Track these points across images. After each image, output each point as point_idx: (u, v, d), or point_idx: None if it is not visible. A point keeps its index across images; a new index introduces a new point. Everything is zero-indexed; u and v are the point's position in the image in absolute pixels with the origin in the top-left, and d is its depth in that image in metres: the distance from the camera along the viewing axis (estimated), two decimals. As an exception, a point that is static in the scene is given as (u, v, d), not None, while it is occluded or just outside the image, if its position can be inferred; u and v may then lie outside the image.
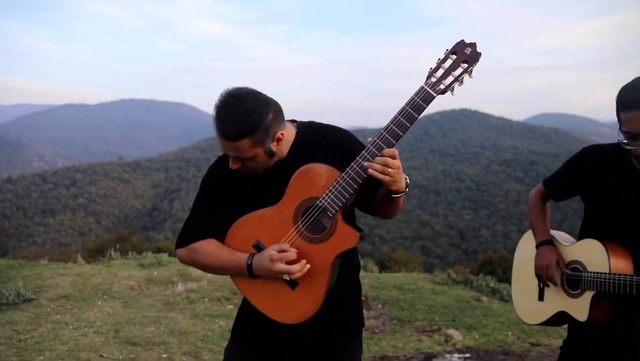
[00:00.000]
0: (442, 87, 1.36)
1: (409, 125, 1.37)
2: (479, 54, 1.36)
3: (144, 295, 5.39)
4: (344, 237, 1.47)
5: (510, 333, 4.30)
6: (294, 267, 1.46)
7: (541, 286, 1.88)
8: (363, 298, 5.31)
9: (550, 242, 1.85)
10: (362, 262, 7.85)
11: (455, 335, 4.21)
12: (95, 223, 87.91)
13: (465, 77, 1.37)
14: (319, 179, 1.49)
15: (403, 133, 1.38)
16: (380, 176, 1.37)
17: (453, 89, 1.37)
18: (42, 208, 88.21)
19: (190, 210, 1.69)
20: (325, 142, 1.59)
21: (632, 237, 1.64)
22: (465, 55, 1.36)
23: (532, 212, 1.96)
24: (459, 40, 1.38)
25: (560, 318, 1.82)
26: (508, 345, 4.04)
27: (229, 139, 1.46)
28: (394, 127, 1.38)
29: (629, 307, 1.64)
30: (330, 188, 1.45)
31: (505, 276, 8.98)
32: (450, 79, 1.36)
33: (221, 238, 1.61)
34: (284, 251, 1.48)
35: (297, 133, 1.61)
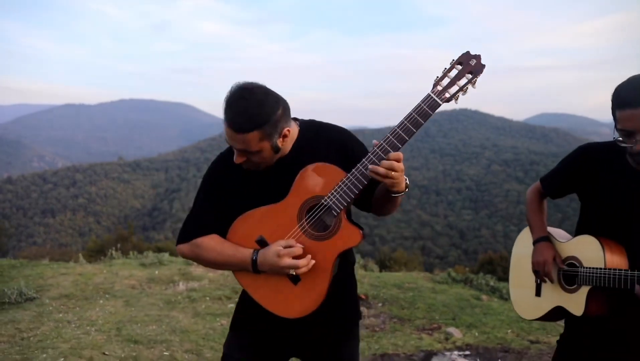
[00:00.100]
0: (447, 95, 1.42)
1: (414, 130, 1.42)
2: (483, 66, 1.42)
3: (146, 294, 5.42)
4: (347, 235, 1.51)
5: (509, 331, 4.33)
6: (301, 262, 1.50)
7: (538, 282, 1.91)
8: (363, 296, 5.35)
9: (547, 239, 1.88)
10: (362, 262, 7.89)
11: (455, 333, 4.24)
12: (95, 223, 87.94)
13: (469, 87, 1.43)
14: (324, 178, 1.52)
15: (409, 138, 1.42)
16: (384, 180, 1.43)
17: (457, 98, 1.43)
18: (42, 208, 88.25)
19: (191, 206, 1.70)
20: (327, 141, 1.62)
21: (626, 233, 1.67)
22: (470, 66, 1.42)
23: (530, 209, 1.99)
24: (464, 52, 1.44)
25: (557, 313, 1.85)
26: (507, 343, 4.07)
27: (238, 131, 1.47)
28: (400, 132, 1.43)
29: (624, 302, 1.67)
30: (336, 187, 1.49)
31: (505, 276, 9.01)
32: (455, 88, 1.43)
33: (223, 235, 1.62)
34: (290, 246, 1.51)
35: (300, 132, 1.63)
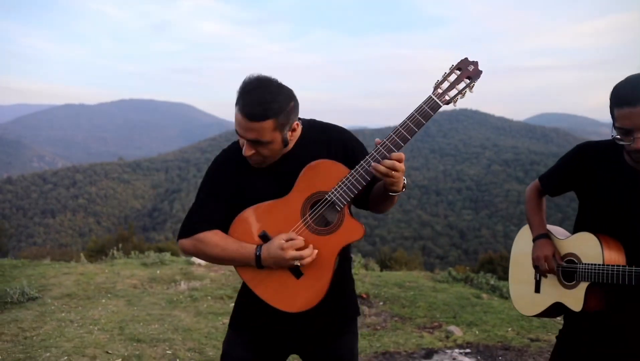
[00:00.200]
0: (447, 98, 1.50)
1: (416, 130, 1.48)
2: (481, 72, 1.51)
3: (148, 294, 5.45)
4: (350, 230, 1.54)
5: (510, 329, 4.35)
6: (305, 252, 1.52)
7: (538, 278, 1.94)
8: (365, 295, 5.38)
9: (547, 236, 1.91)
10: (363, 261, 7.91)
11: (456, 331, 4.26)
12: (96, 223, 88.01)
13: (467, 91, 1.51)
14: (328, 174, 1.55)
15: (411, 137, 1.48)
16: (385, 178, 1.47)
17: (456, 100, 1.51)
18: (42, 208, 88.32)
19: (194, 201, 1.70)
20: (328, 140, 1.66)
21: (624, 230, 1.69)
22: (468, 71, 1.51)
23: (529, 206, 2.01)
24: (463, 58, 1.52)
25: (556, 309, 1.87)
26: (508, 341, 4.09)
27: (253, 119, 1.48)
28: (402, 131, 1.48)
29: (622, 297, 1.69)
30: (340, 183, 1.53)
31: (505, 275, 9.03)
32: (454, 91, 1.50)
33: (225, 230, 1.63)
34: (292, 239, 1.53)
35: (302, 130, 1.66)
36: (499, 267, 15.23)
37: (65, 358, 3.57)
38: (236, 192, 1.64)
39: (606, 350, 1.81)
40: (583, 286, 1.73)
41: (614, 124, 1.61)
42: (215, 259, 1.63)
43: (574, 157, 1.86)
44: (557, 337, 1.95)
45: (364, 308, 4.93)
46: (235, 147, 1.71)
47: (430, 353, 3.84)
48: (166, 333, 4.16)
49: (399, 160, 1.45)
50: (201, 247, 1.62)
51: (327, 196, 1.54)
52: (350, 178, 1.52)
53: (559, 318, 4.33)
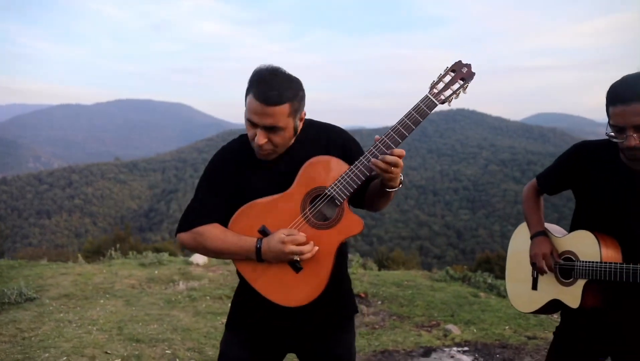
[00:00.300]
0: (442, 97, 1.56)
1: (414, 127, 1.53)
2: (474, 74, 1.58)
3: (146, 294, 5.45)
4: (350, 224, 1.56)
5: (507, 327, 4.38)
6: (305, 247, 1.53)
7: (535, 275, 1.96)
8: (363, 295, 5.39)
9: (544, 233, 1.93)
10: (361, 260, 7.93)
11: (454, 329, 4.28)
12: (92, 224, 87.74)
13: (461, 91, 1.58)
14: (328, 170, 1.58)
15: (408, 134, 1.52)
16: (383, 174, 1.49)
17: (451, 100, 1.58)
18: (38, 209, 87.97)
19: (192, 197, 1.70)
20: (327, 140, 1.68)
21: (620, 228, 1.72)
22: (462, 73, 1.58)
23: (527, 205, 2.04)
24: (457, 60, 1.60)
25: (553, 306, 1.89)
26: (505, 339, 4.11)
27: (271, 103, 1.50)
28: (400, 128, 1.53)
29: (619, 295, 1.71)
30: (339, 178, 1.55)
31: (502, 275, 9.06)
32: (449, 92, 1.57)
33: (224, 225, 1.63)
34: (293, 234, 1.54)
35: (302, 128, 1.68)
36: (496, 266, 15.27)
37: (65, 358, 3.57)
38: (235, 189, 1.64)
39: (603, 347, 1.83)
40: (580, 283, 1.76)
41: (609, 122, 1.65)
42: (214, 252, 1.62)
43: (571, 156, 1.89)
44: (554, 333, 1.97)
45: (362, 308, 4.94)
46: (235, 145, 1.72)
47: (428, 351, 3.86)
48: (165, 333, 4.16)
49: (400, 156, 1.48)
50: (201, 240, 1.62)
51: (326, 191, 1.56)
52: (349, 173, 1.55)
53: (555, 315, 4.35)
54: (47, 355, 3.62)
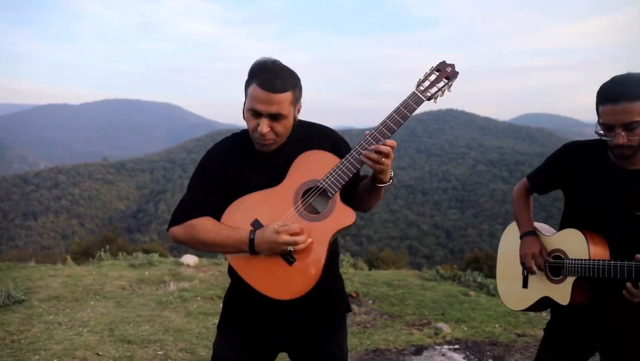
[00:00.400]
0: (428, 94, 1.62)
1: (402, 121, 1.58)
2: (457, 73, 1.65)
3: (137, 295, 5.42)
4: (342, 215, 1.58)
5: (497, 325, 4.44)
6: (300, 238, 1.53)
7: (525, 274, 2.00)
8: (354, 294, 5.42)
9: (534, 233, 1.97)
10: (352, 260, 7.95)
11: (445, 328, 4.33)
12: (79, 225, 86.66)
13: (446, 90, 1.65)
14: (319, 163, 1.61)
15: (397, 128, 1.57)
16: (375, 166, 1.52)
17: (437, 97, 1.64)
18: (24, 210, 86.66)
19: (185, 192, 1.70)
20: (318, 139, 1.71)
21: (608, 227, 1.77)
22: (446, 72, 1.65)
23: (517, 205, 2.08)
24: (441, 61, 1.67)
25: (543, 303, 1.93)
26: (495, 336, 4.17)
27: (276, 91, 1.54)
28: (390, 123, 1.57)
29: (606, 291, 1.76)
30: (331, 171, 1.58)
31: (491, 273, 9.15)
32: (435, 89, 1.63)
33: (217, 220, 1.64)
34: (287, 226, 1.55)
35: (293, 127, 1.70)
36: (485, 266, 15.40)
37: (55, 360, 3.55)
38: (228, 184, 1.65)
39: (591, 344, 1.88)
40: (570, 280, 1.80)
41: (598, 121, 1.70)
42: (207, 245, 1.61)
43: (560, 156, 1.93)
44: (544, 330, 2.02)
45: (353, 307, 4.97)
46: (228, 142, 1.75)
47: (420, 349, 3.90)
48: (157, 334, 4.15)
49: (392, 147, 1.52)
50: (193, 233, 1.62)
51: (319, 184, 1.58)
52: (341, 166, 1.58)
53: (544, 313, 4.42)
54: (37, 357, 3.59)
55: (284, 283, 1.56)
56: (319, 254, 1.56)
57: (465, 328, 4.37)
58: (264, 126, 1.57)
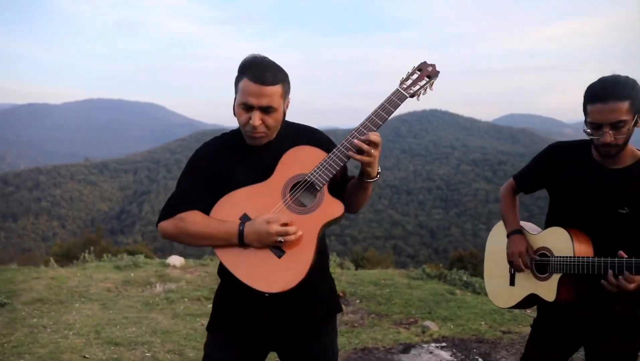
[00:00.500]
0: (411, 91, 1.67)
1: (387, 116, 1.62)
2: (438, 72, 1.71)
3: (123, 297, 5.37)
4: (330, 207, 1.59)
5: (483, 322, 4.51)
6: (290, 228, 1.54)
7: (512, 272, 2.05)
8: (341, 294, 5.44)
9: (520, 232, 2.02)
10: (338, 260, 7.98)
11: (432, 326, 4.38)
12: (60, 227, 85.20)
13: (428, 88, 1.71)
14: (307, 158, 1.64)
15: (382, 123, 1.62)
16: (363, 158, 1.55)
17: (419, 95, 1.69)
18: (3, 212, 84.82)
19: (175, 188, 1.71)
20: (307, 139, 1.73)
21: (591, 225, 1.82)
22: (427, 71, 1.71)
23: (504, 204, 2.12)
24: (422, 61, 1.73)
25: (530, 300, 1.98)
26: (481, 334, 4.24)
27: (267, 83, 1.57)
28: (374, 118, 1.62)
29: (593, 288, 1.81)
30: (318, 165, 1.61)
31: (476, 272, 9.27)
32: (417, 87, 1.69)
33: (206, 214, 1.65)
34: (276, 216, 1.56)
35: (280, 128, 1.72)
36: (469, 265, 15.60)
37: (41, 363, 3.50)
38: (217, 182, 1.66)
39: (576, 340, 1.94)
40: (556, 277, 1.85)
41: (585, 120, 1.75)
42: (196, 237, 1.61)
43: (545, 156, 1.99)
44: (531, 326, 2.07)
45: (341, 306, 4.99)
46: (218, 141, 1.77)
47: (407, 347, 3.94)
48: (144, 336, 4.12)
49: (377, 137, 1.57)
50: (182, 225, 1.62)
51: (306, 177, 1.60)
52: (328, 160, 1.61)
53: (529, 310, 4.50)
54: (22, 361, 3.54)
55: (272, 276, 1.55)
56: (308, 248, 1.56)
57: (452, 326, 4.43)
58: (256, 119, 1.59)
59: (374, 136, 1.54)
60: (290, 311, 1.67)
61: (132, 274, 6.27)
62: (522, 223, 2.07)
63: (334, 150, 1.61)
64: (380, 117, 1.61)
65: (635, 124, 1.70)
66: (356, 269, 8.33)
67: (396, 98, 1.64)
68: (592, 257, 1.75)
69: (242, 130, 1.65)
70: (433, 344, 4.03)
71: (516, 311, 4.62)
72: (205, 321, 4.59)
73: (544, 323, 2.00)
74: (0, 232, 78.55)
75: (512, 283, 2.05)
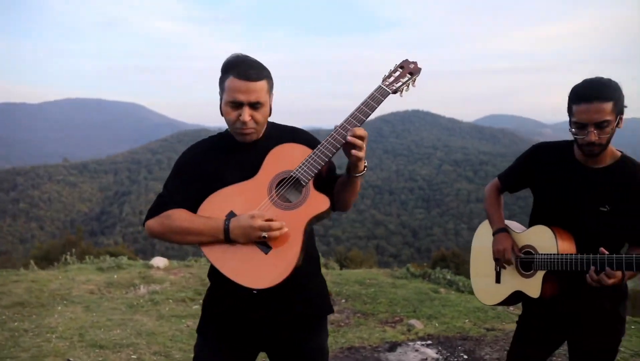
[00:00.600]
0: (393, 87, 1.71)
1: (370, 112, 1.66)
2: (420, 69, 1.76)
3: (106, 299, 5.30)
4: (315, 202, 1.60)
5: (467, 320, 4.58)
6: (275, 223, 1.54)
7: (498, 269, 2.10)
8: (327, 294, 5.47)
9: (505, 230, 2.07)
10: (322, 260, 8.01)
11: (417, 324, 4.43)
12: (38, 229, 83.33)
13: (410, 85, 1.75)
14: (292, 155, 1.65)
15: (366, 119, 1.65)
16: (351, 150, 1.56)
17: (402, 91, 1.73)
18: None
19: (162, 189, 1.72)
20: (292, 138, 1.74)
21: (573, 223, 1.88)
22: (409, 68, 1.75)
23: (489, 203, 2.17)
24: (404, 59, 1.78)
25: (515, 297, 2.03)
26: (466, 331, 4.31)
27: (253, 79, 1.60)
28: (358, 114, 1.65)
29: (576, 284, 1.87)
30: (304, 161, 1.62)
31: (459, 271, 9.41)
32: (399, 83, 1.72)
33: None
34: (261, 211, 1.58)
35: (266, 129, 1.74)
36: (452, 263, 15.79)
37: (23, 367, 3.44)
38: (204, 183, 1.67)
39: (559, 336, 1.99)
40: (540, 274, 1.90)
41: (570, 120, 1.81)
42: (182, 233, 1.61)
43: (528, 157, 2.04)
44: (517, 322, 2.12)
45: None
46: (205, 142, 1.78)
47: (393, 346, 3.98)
48: (129, 338, 4.08)
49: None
50: (168, 223, 1.63)
51: (292, 174, 1.62)
52: (313, 156, 1.63)
53: (512, 308, 4.58)
54: (3, 365, 3.48)
55: (259, 272, 1.55)
56: (294, 243, 1.56)
57: (437, 324, 4.49)
58: (246, 115, 1.61)
59: (360, 130, 1.56)
60: (274, 307, 1.68)
61: (115, 276, 6.19)
62: (507, 222, 2.13)
63: (319, 146, 1.64)
64: (363, 112, 1.64)
65: (617, 125, 1.77)
66: (341, 269, 8.37)
67: (379, 95, 1.67)
68: (575, 254, 1.81)
69: (231, 128, 1.66)
70: (419, 342, 4.08)
71: (499, 308, 4.70)
72: (190, 322, 4.57)
73: (528, 320, 2.05)
74: (-25, 234, 76.52)
75: (497, 280, 2.10)
